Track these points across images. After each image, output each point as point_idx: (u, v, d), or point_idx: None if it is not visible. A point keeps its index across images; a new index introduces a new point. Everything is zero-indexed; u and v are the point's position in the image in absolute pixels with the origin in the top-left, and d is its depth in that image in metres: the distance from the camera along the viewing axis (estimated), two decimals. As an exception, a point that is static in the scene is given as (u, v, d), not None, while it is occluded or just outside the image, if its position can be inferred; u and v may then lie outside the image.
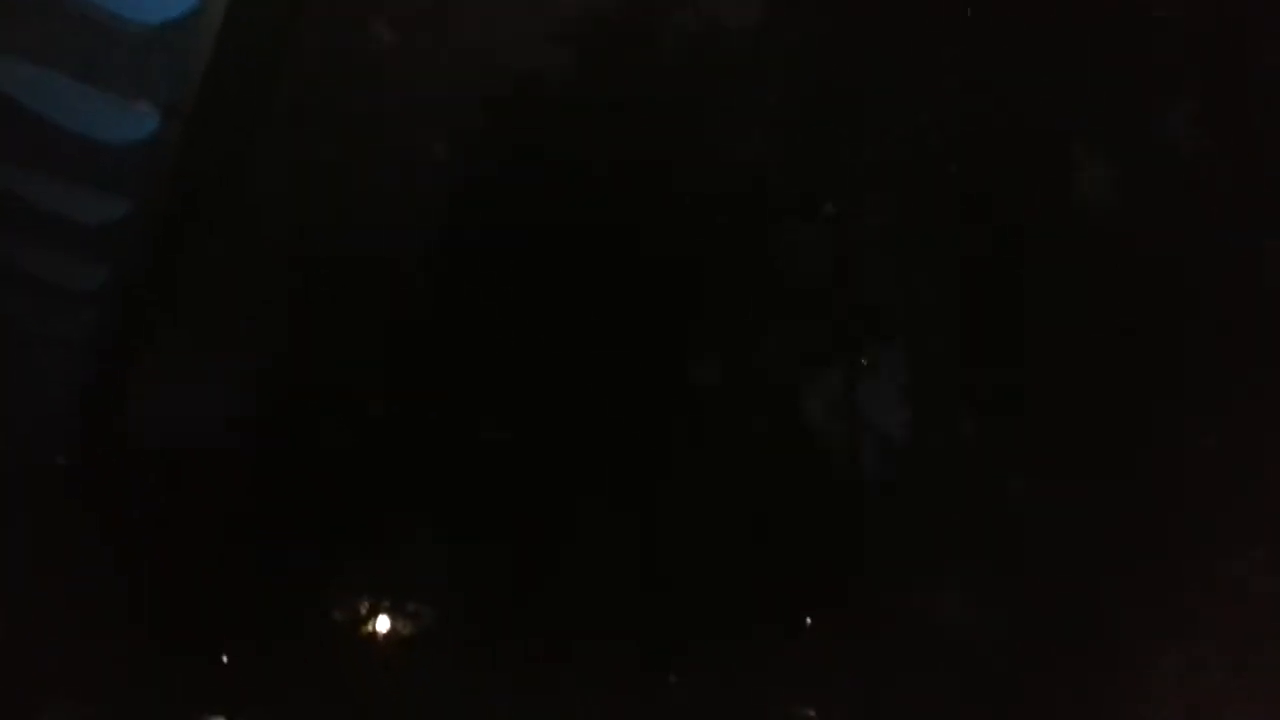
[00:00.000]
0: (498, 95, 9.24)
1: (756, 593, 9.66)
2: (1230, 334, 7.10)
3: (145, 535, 8.24)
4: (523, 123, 9.12)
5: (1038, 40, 8.18)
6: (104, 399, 9.02)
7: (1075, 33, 8.05)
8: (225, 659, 9.08)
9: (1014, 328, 8.13)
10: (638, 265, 8.99)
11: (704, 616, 9.37)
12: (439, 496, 9.11)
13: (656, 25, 9.25)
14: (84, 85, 8.73)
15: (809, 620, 10.89)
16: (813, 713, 10.85)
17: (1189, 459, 7.03)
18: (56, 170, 8.94)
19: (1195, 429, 7.16)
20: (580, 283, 8.89)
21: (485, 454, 8.96)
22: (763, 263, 9.21)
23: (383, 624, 9.32)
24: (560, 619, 9.20)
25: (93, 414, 8.81)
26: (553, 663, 9.40)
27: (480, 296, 8.91)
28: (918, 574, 8.68)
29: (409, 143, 9.17)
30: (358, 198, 8.87)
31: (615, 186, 8.70)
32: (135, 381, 8.99)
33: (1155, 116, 8.47)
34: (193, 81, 8.71)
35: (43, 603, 7.82)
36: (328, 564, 9.17)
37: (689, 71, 9.07)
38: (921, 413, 9.30)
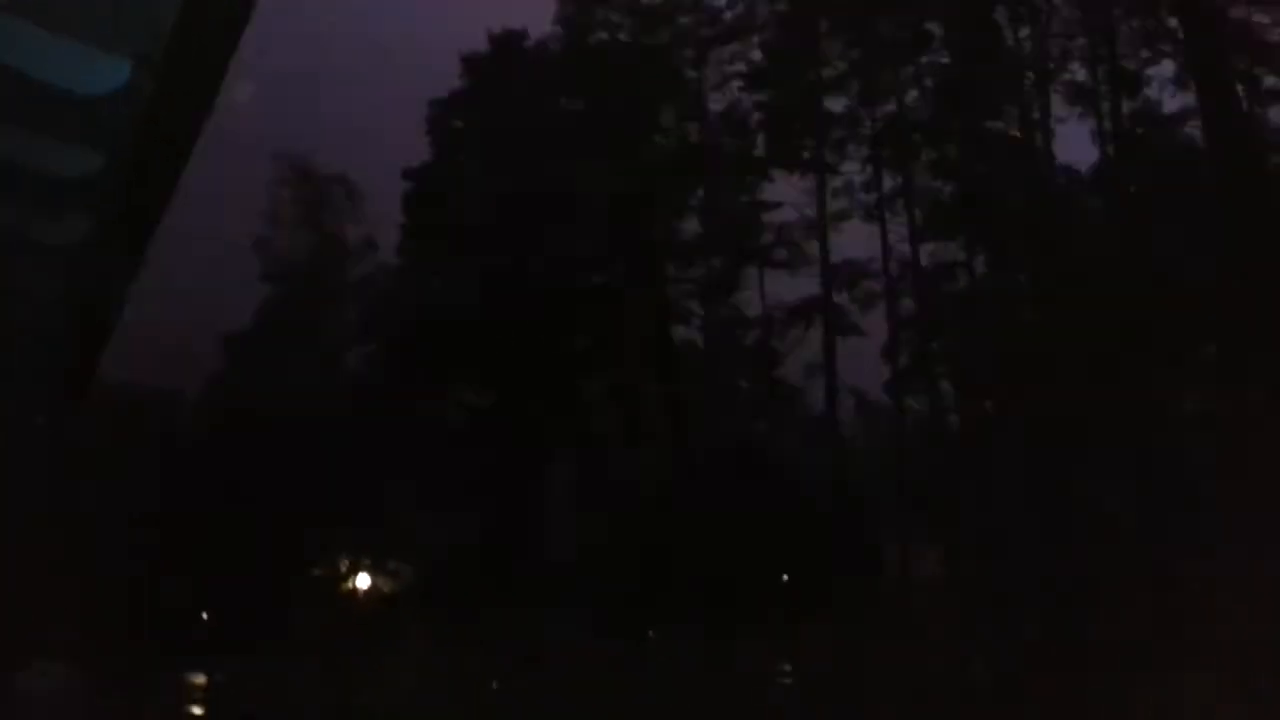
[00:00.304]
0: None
1: (733, 552, 9.78)
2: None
3: (125, 494, 8.22)
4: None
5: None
6: (82, 355, 8.93)
7: None
8: (205, 616, 9.12)
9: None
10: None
11: (682, 575, 9.49)
12: (419, 457, 9.14)
13: None
14: (55, 35, 8.55)
15: (785, 578, 11.06)
16: (788, 668, 11.05)
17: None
18: (28, 123, 8.77)
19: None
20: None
21: (464, 418, 8.97)
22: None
23: (363, 581, 9.38)
24: (540, 577, 9.32)
25: (71, 371, 8.72)
26: (532, 620, 9.52)
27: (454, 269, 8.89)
28: (893, 533, 8.79)
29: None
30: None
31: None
32: (113, 335, 8.90)
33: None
34: (164, 30, 8.54)
35: (23, 563, 7.82)
36: (308, 522, 9.23)
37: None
38: (901, 375, 9.38)
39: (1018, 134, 27.09)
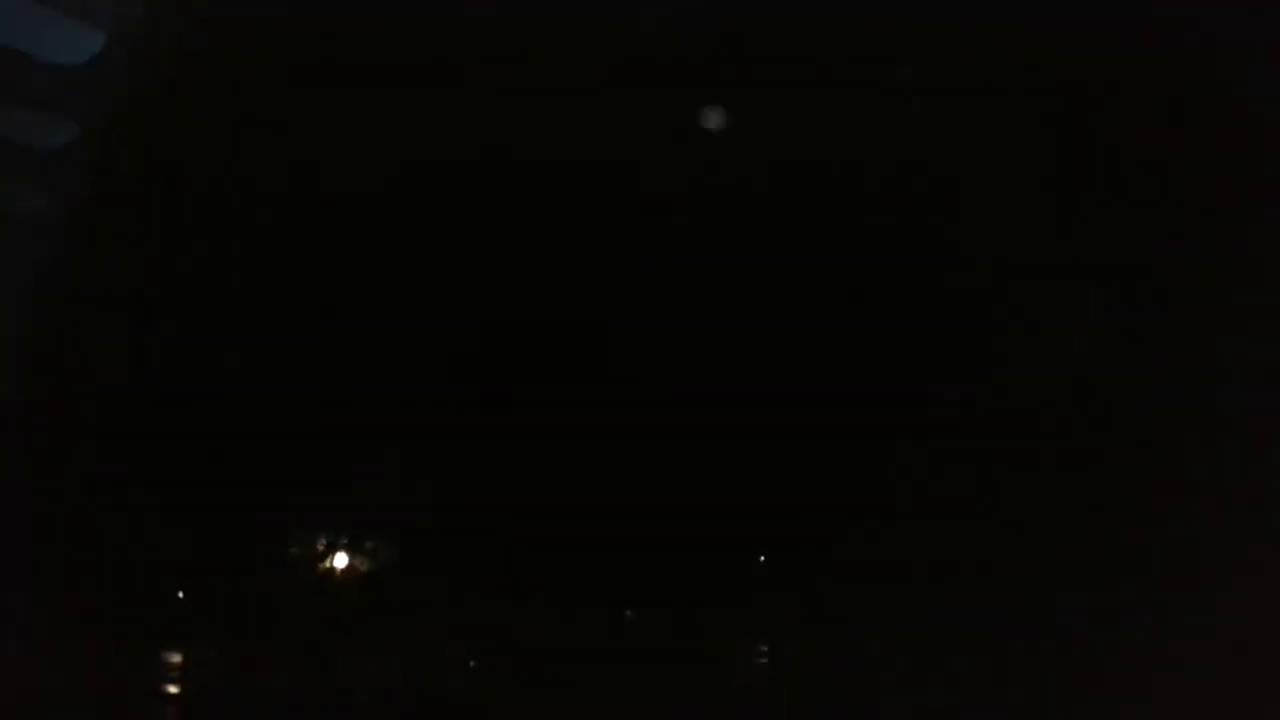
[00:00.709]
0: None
1: (711, 531, 9.79)
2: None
3: (99, 472, 8.15)
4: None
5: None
6: (56, 330, 8.86)
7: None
8: (181, 595, 9.07)
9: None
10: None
11: (660, 554, 9.48)
12: (398, 432, 9.09)
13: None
14: (29, 3, 8.49)
15: (762, 558, 11.07)
16: (765, 648, 11.07)
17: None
18: (3, 93, 8.71)
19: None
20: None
21: (444, 392, 8.93)
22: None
23: (340, 561, 9.33)
24: (517, 556, 9.27)
25: (45, 347, 8.65)
26: (509, 600, 9.48)
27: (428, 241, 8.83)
28: (874, 516, 8.79)
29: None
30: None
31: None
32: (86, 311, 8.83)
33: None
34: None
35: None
36: (284, 500, 9.16)
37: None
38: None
39: None
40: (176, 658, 9.53)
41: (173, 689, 9.18)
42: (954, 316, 8.12)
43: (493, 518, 9.21)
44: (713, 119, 8.62)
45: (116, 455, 8.36)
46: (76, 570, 8.11)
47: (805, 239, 8.37)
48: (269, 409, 8.46)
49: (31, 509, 7.71)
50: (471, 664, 9.50)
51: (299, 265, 8.67)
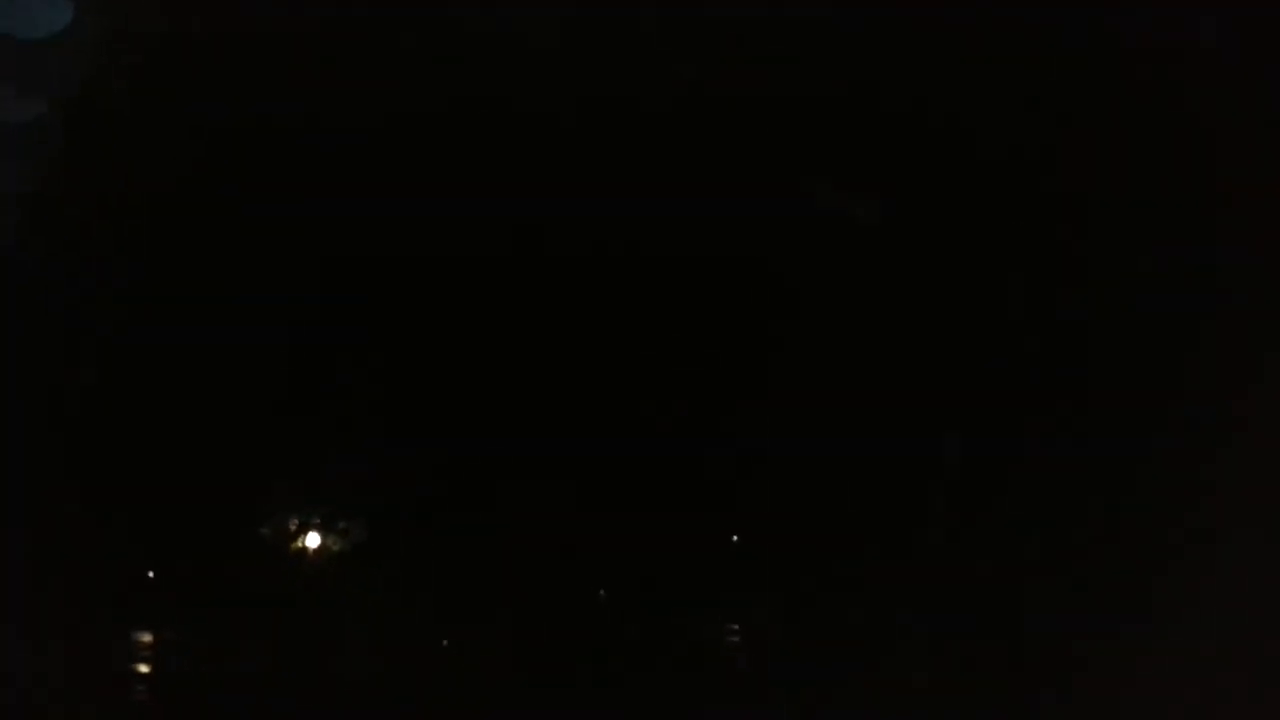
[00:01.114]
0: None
1: (684, 512, 9.83)
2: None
3: (68, 453, 8.09)
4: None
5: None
6: (24, 309, 8.75)
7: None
8: (151, 575, 9.01)
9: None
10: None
11: (632, 535, 9.51)
12: (370, 411, 9.06)
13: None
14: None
15: (735, 539, 11.13)
16: (737, 626, 11.16)
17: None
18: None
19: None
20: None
21: (417, 371, 8.91)
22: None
23: (312, 540, 9.30)
24: (489, 536, 9.27)
25: (11, 325, 8.54)
26: (481, 580, 9.48)
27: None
28: (844, 496, 8.84)
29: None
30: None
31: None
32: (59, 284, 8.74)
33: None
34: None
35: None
36: (256, 479, 9.12)
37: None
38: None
39: None
40: (147, 638, 9.49)
41: (144, 668, 9.15)
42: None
43: (469, 500, 9.21)
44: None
45: (87, 438, 8.29)
46: (49, 553, 8.05)
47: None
48: (241, 389, 8.41)
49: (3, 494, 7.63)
50: (445, 643, 9.51)
51: (269, 245, 8.60)
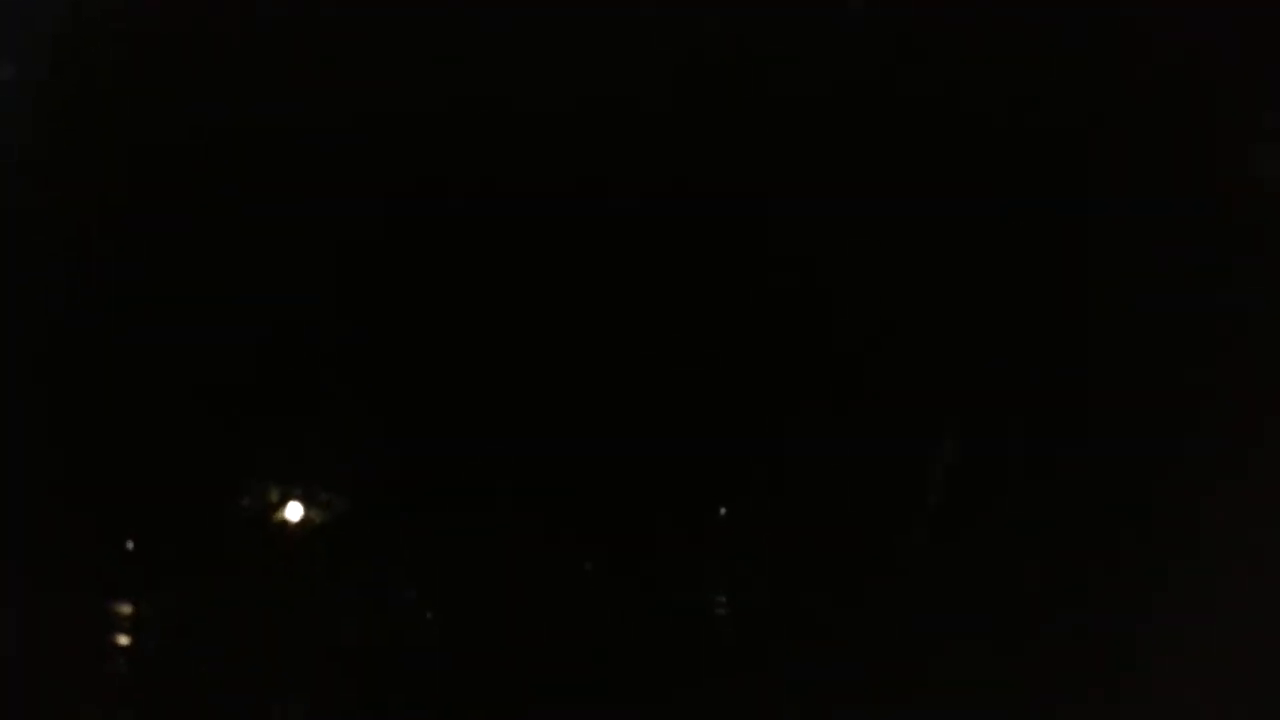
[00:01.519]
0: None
1: (669, 484, 9.80)
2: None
3: (46, 422, 8.00)
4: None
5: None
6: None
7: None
8: (130, 546, 8.94)
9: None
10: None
11: (617, 506, 9.47)
12: (353, 382, 8.99)
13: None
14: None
15: (722, 511, 11.12)
16: (724, 599, 11.14)
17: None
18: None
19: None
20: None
21: (400, 341, 8.83)
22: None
23: (294, 512, 9.22)
24: (471, 507, 9.22)
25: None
26: (463, 552, 9.44)
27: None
28: (830, 469, 8.82)
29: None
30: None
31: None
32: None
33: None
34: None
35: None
36: (236, 450, 9.05)
37: None
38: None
39: None
40: (126, 609, 9.44)
41: (123, 640, 9.10)
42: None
43: (453, 471, 9.17)
44: None
45: (62, 406, 8.22)
46: (23, 523, 7.97)
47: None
48: (218, 356, 8.35)
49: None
50: (429, 615, 9.49)
51: (246, 212, 8.52)
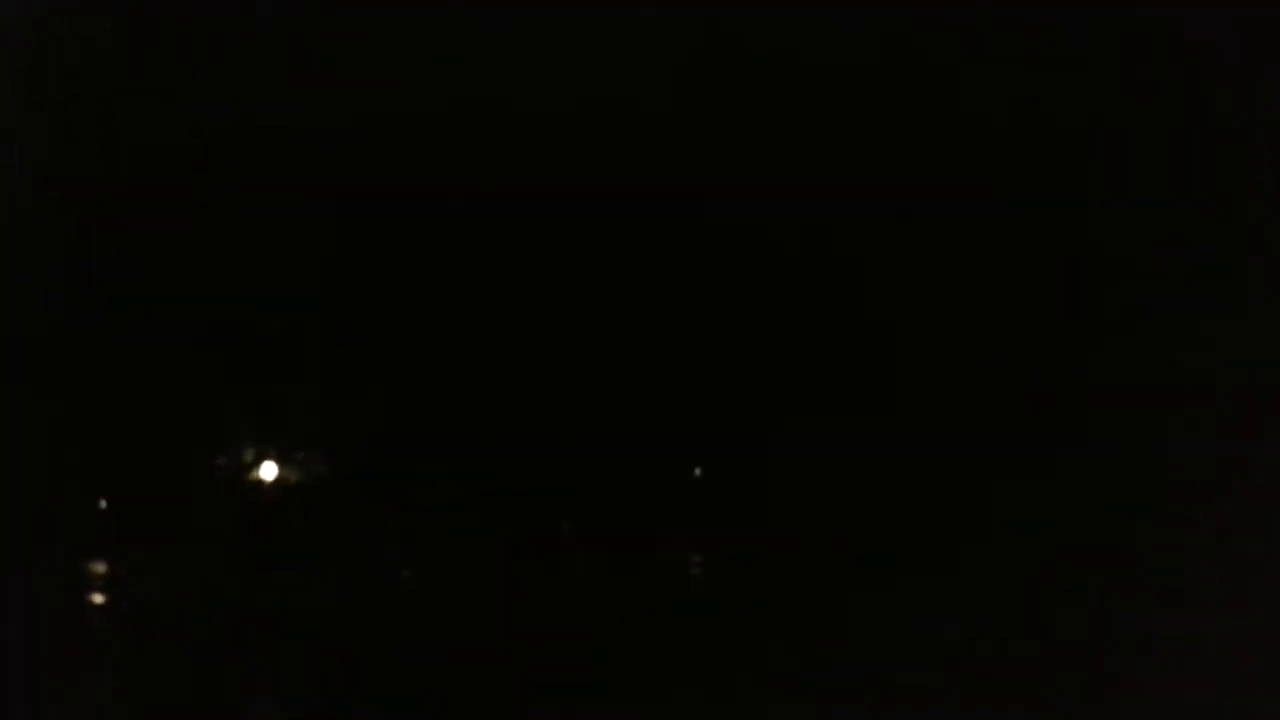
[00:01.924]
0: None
1: (646, 446, 9.85)
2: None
3: (18, 381, 7.93)
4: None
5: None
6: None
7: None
8: (104, 503, 8.90)
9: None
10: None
11: (596, 466, 9.49)
12: (331, 342, 8.95)
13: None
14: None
15: (698, 471, 11.18)
16: (698, 559, 11.23)
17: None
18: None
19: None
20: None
21: (377, 302, 8.80)
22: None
23: (269, 471, 9.19)
24: (452, 469, 9.22)
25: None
26: (444, 511, 9.45)
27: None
28: (810, 427, 8.85)
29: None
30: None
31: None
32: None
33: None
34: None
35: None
36: (211, 407, 9.01)
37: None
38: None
39: None
40: (100, 568, 9.42)
41: (98, 599, 9.08)
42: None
43: (431, 431, 9.16)
44: None
45: (34, 361, 8.15)
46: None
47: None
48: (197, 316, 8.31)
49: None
50: (406, 574, 9.50)
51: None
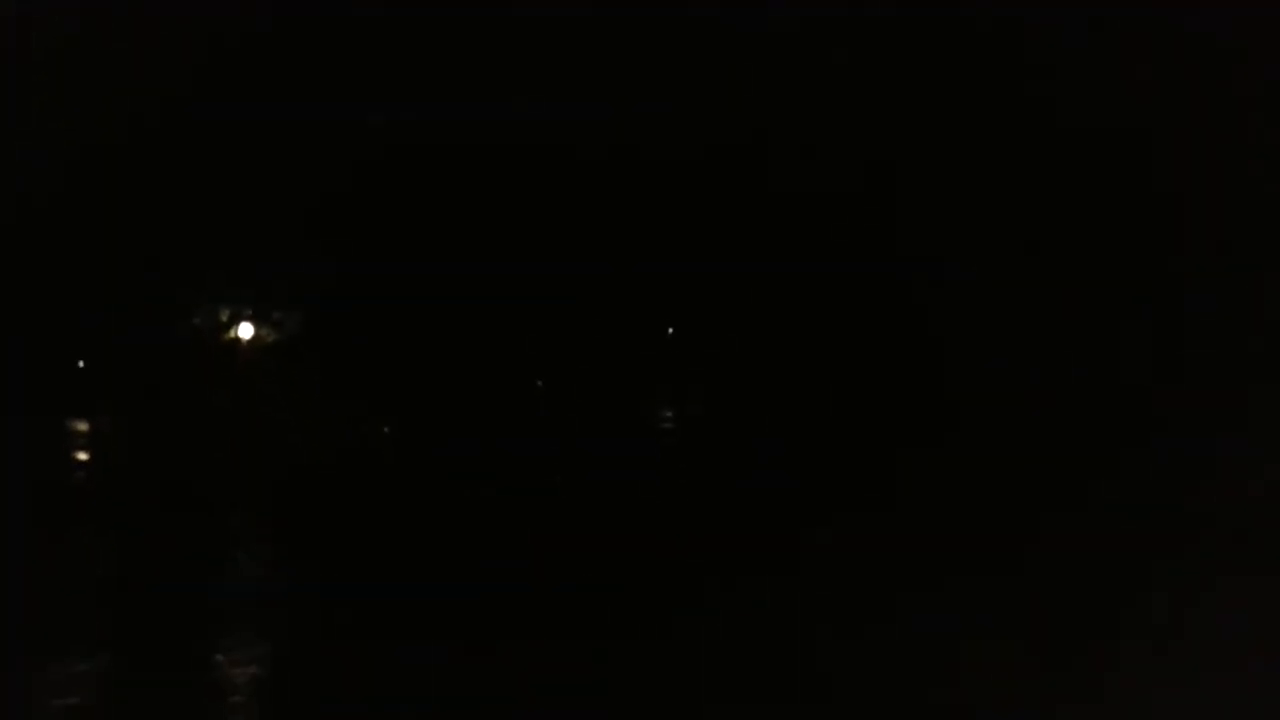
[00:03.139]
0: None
1: (621, 304, 9.94)
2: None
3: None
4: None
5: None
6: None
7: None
8: (81, 365, 8.92)
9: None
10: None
11: (570, 328, 9.61)
12: (311, 209, 8.89)
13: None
14: None
15: (670, 330, 11.31)
16: (669, 414, 11.44)
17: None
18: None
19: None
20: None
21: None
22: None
23: (245, 331, 9.21)
24: (427, 328, 9.27)
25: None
26: (417, 370, 9.54)
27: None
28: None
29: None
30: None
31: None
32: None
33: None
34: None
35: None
36: (189, 270, 8.95)
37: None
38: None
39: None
40: (82, 426, 9.47)
41: (81, 456, 9.15)
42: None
43: (405, 292, 9.18)
44: None
45: (14, 226, 8.04)
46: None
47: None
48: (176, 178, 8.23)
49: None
50: (386, 430, 9.62)
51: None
